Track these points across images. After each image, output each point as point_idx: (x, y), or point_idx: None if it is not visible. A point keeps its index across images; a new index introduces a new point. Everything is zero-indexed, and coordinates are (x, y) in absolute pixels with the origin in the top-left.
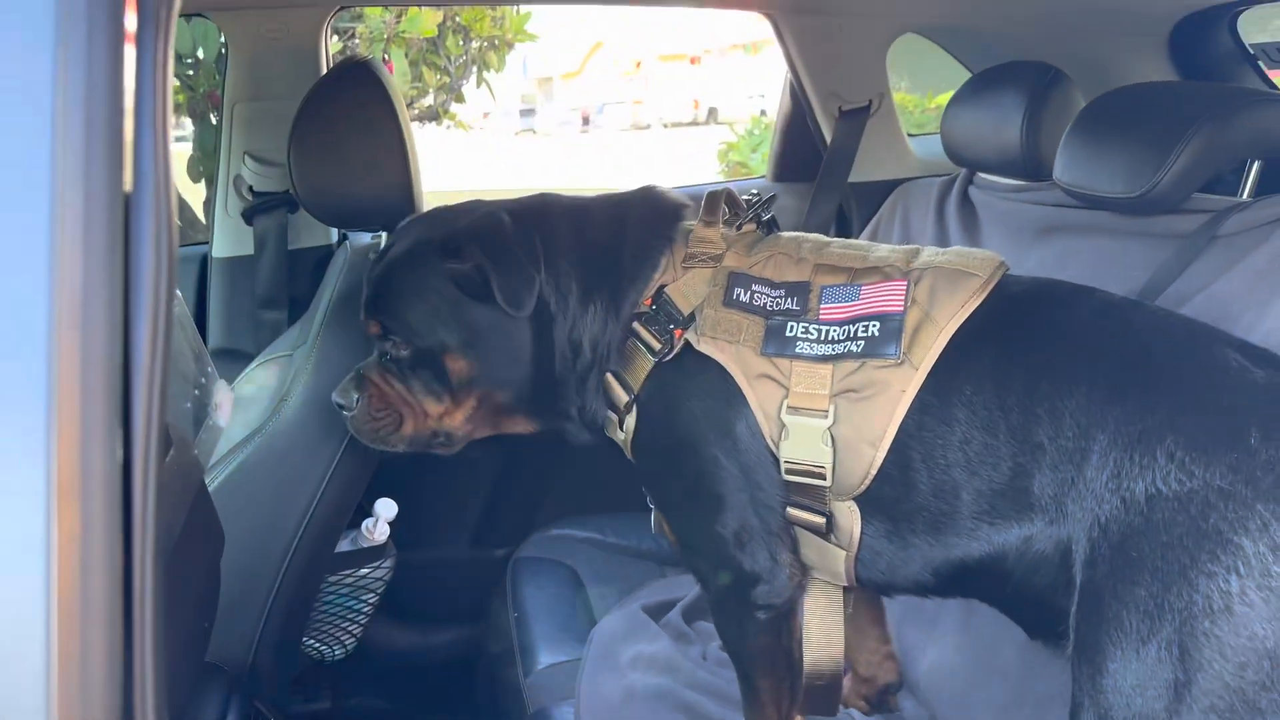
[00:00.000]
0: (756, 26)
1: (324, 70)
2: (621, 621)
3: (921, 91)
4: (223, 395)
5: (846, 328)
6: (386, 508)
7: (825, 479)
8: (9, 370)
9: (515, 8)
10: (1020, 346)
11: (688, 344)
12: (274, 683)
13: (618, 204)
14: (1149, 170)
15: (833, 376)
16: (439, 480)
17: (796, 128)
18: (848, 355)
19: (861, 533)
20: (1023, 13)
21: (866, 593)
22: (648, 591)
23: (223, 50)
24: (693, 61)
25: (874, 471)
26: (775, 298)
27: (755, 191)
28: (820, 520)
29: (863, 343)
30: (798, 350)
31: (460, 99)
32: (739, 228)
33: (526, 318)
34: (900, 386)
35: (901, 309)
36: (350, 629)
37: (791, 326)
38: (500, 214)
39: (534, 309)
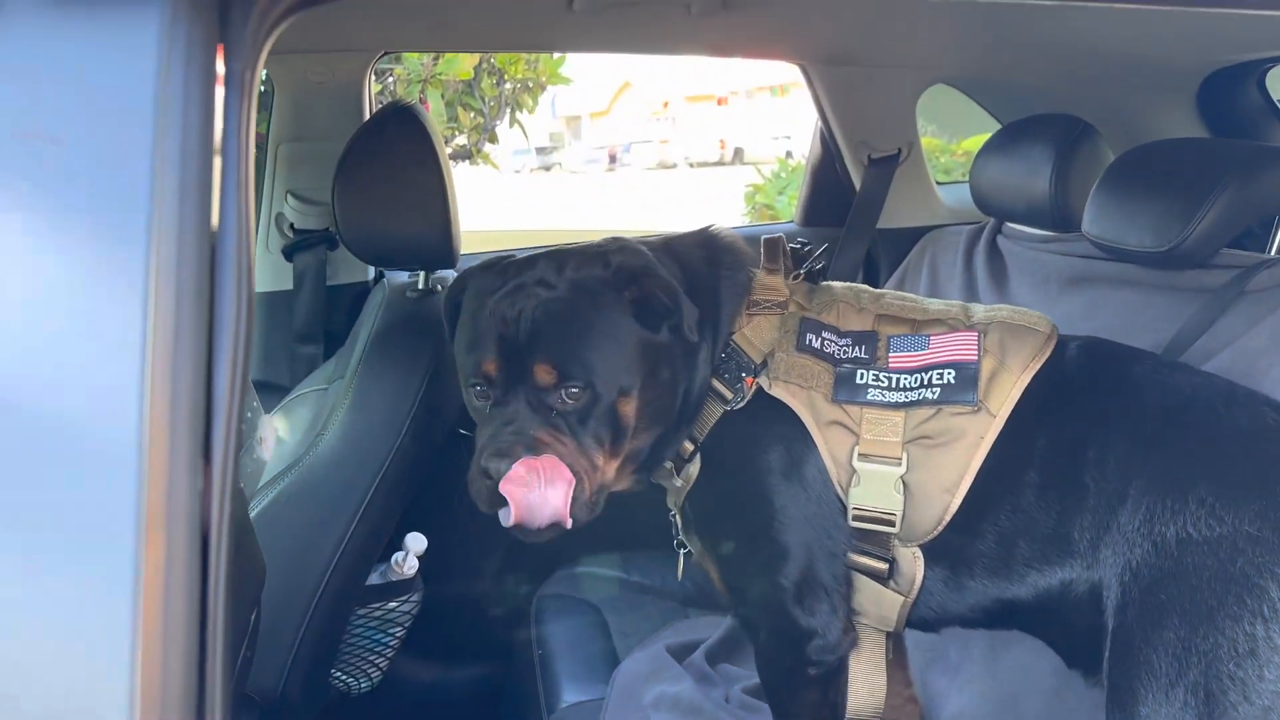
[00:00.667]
0: (784, 69)
1: (367, 112)
2: (645, 662)
3: (948, 136)
4: (266, 429)
5: (919, 375)
6: (416, 542)
7: (894, 526)
8: (105, 404)
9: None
10: (1075, 396)
11: (759, 390)
12: (302, 714)
13: (702, 245)
14: (1177, 225)
15: (905, 424)
16: (464, 516)
17: (826, 173)
18: (923, 402)
19: (923, 577)
20: (1052, 66)
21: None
22: (671, 632)
23: (261, 89)
24: (720, 102)
25: (948, 518)
26: (843, 346)
27: (803, 240)
28: (883, 567)
29: (938, 390)
30: (869, 397)
31: (494, 139)
32: (795, 276)
33: (672, 360)
34: (979, 433)
35: (976, 358)
36: (377, 662)
37: (861, 374)
38: (642, 248)
39: (680, 352)
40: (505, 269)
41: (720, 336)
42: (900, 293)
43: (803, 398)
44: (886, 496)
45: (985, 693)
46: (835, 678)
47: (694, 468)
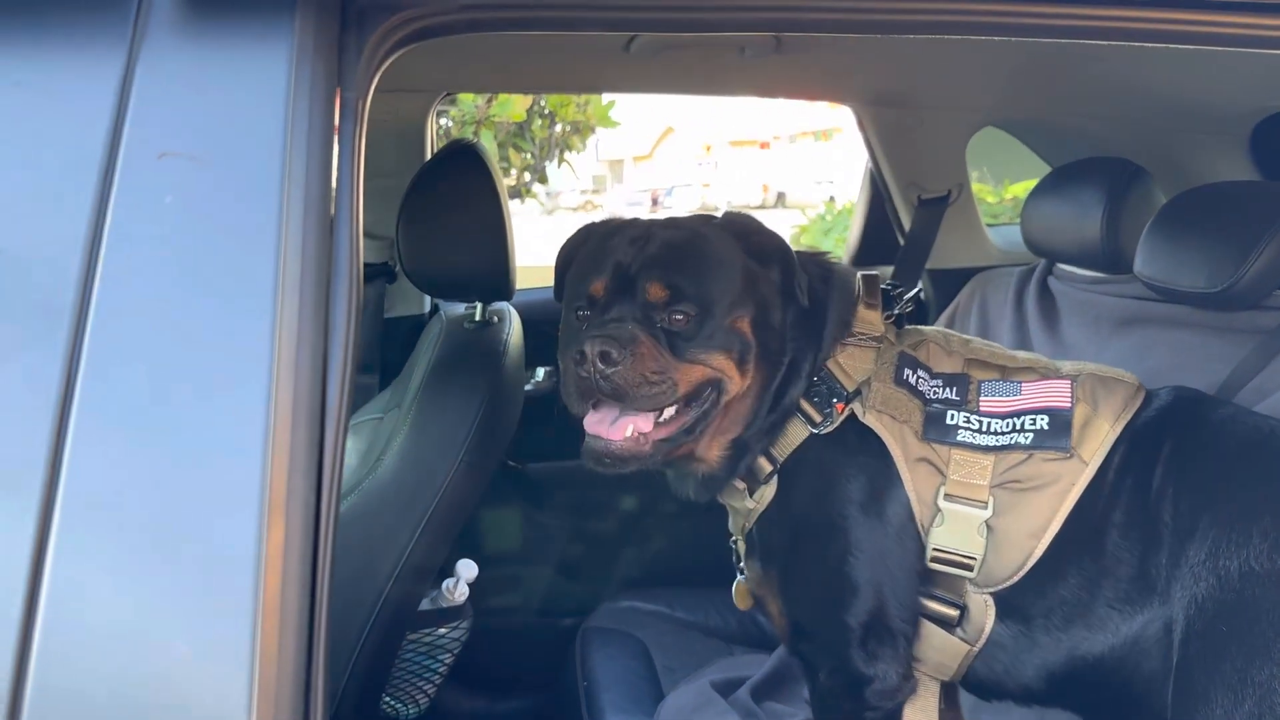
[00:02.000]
0: (828, 114)
1: (429, 150)
2: (690, 696)
3: (995, 181)
4: None
5: (1010, 420)
6: (467, 568)
7: (972, 570)
8: (236, 401)
9: (600, 96)
10: (1158, 439)
11: (851, 418)
12: None
13: (819, 265)
14: (1230, 267)
15: (994, 468)
16: (511, 546)
17: (875, 214)
18: (1014, 447)
19: (993, 627)
20: (1103, 110)
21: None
22: (716, 668)
23: None
24: (762, 147)
25: (1031, 564)
26: (934, 386)
27: (893, 283)
28: (954, 613)
29: (1031, 435)
30: (959, 439)
31: (543, 179)
32: (888, 316)
33: (784, 314)
34: (1070, 479)
35: (1070, 405)
36: (425, 688)
37: (952, 415)
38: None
39: (791, 317)
40: (628, 221)
41: (820, 356)
42: (986, 340)
43: (895, 430)
44: (969, 539)
45: None
46: None
47: (769, 490)
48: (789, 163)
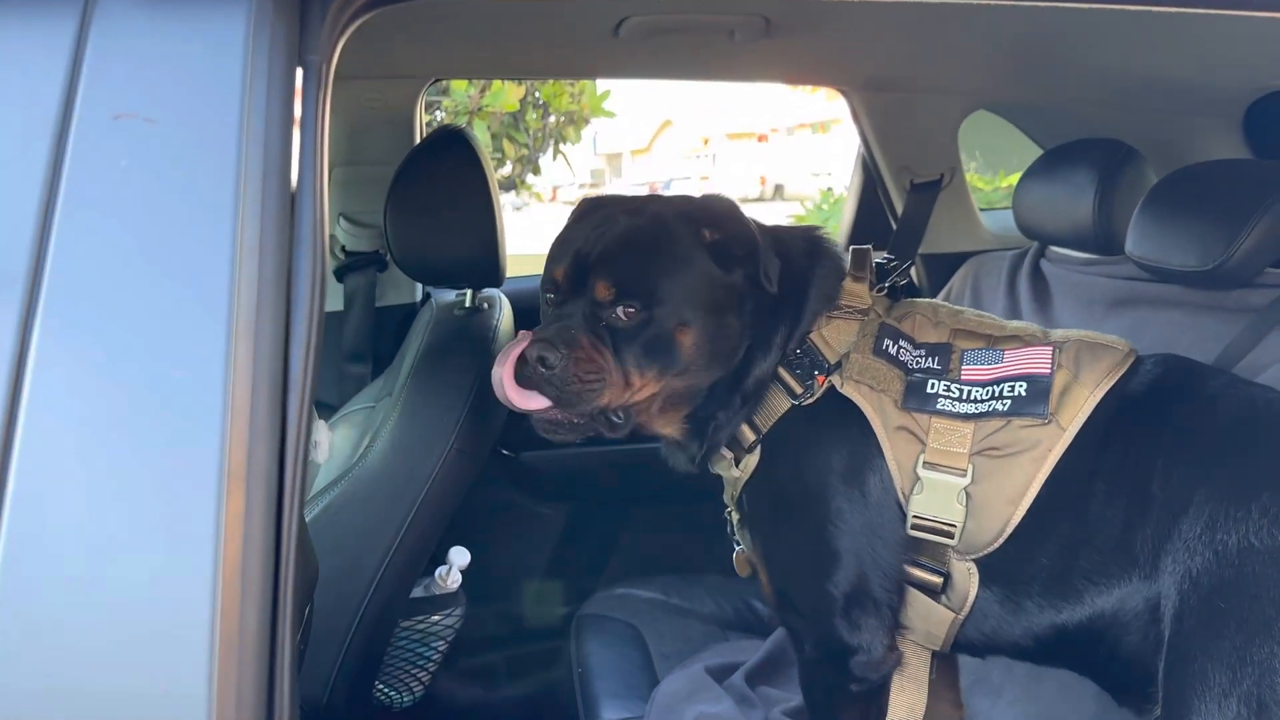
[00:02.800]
0: (825, 106)
1: (418, 138)
2: (684, 682)
3: (992, 171)
4: (320, 433)
5: (990, 388)
6: (460, 555)
7: (953, 538)
8: (192, 368)
9: (595, 86)
10: (1148, 408)
11: (830, 389)
12: None
13: (806, 240)
14: (1221, 245)
15: (973, 436)
16: (506, 534)
17: (868, 200)
18: (992, 414)
19: (976, 594)
20: (1095, 92)
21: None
22: (711, 653)
23: None
24: (760, 139)
25: (1009, 530)
26: (916, 356)
27: (888, 257)
28: (937, 580)
29: (1009, 402)
30: (939, 407)
31: (537, 171)
32: (879, 290)
33: (740, 308)
34: (1047, 445)
35: (1049, 371)
36: (419, 675)
37: (932, 384)
38: (729, 198)
39: (751, 307)
40: (613, 198)
41: (799, 328)
42: (979, 311)
43: (873, 400)
44: (948, 506)
45: (1028, 714)
46: (877, 697)
47: (753, 459)
48: (787, 155)
